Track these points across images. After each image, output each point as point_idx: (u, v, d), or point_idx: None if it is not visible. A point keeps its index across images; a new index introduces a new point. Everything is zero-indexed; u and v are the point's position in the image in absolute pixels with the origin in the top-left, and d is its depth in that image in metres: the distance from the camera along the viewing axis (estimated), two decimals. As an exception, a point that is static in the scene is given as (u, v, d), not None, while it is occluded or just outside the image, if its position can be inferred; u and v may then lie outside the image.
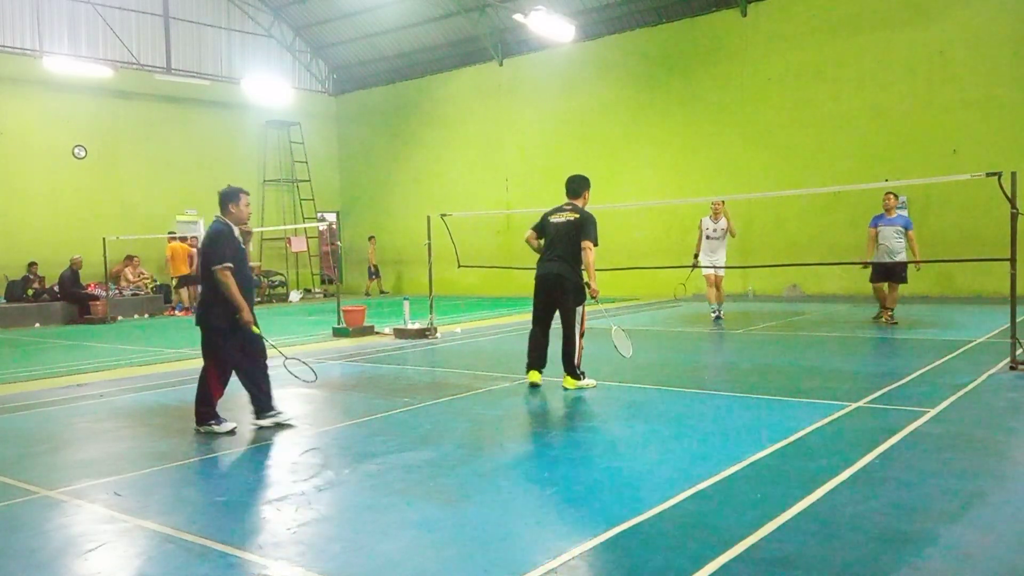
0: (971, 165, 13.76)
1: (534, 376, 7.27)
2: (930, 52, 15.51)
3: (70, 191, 20.06)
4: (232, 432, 5.86)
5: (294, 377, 6.50)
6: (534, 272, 7.36)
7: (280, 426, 6.03)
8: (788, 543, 3.40)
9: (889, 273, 11.30)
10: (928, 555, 3.24)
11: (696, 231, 13.03)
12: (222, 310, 5.81)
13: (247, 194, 6.18)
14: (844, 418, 5.71)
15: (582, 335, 7.32)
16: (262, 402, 6.06)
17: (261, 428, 6.02)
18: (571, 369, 7.19)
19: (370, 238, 24.22)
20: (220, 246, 5.81)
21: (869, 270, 11.69)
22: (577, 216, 7.18)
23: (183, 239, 19.21)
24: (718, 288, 12.90)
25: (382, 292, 23.97)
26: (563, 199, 7.44)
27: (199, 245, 5.78)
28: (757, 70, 17.55)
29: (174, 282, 19.23)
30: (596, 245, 7.14)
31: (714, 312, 12.92)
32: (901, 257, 11.21)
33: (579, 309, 7.21)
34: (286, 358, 6.63)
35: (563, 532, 3.64)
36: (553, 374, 7.41)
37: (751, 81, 17.65)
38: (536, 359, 7.31)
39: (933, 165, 14.90)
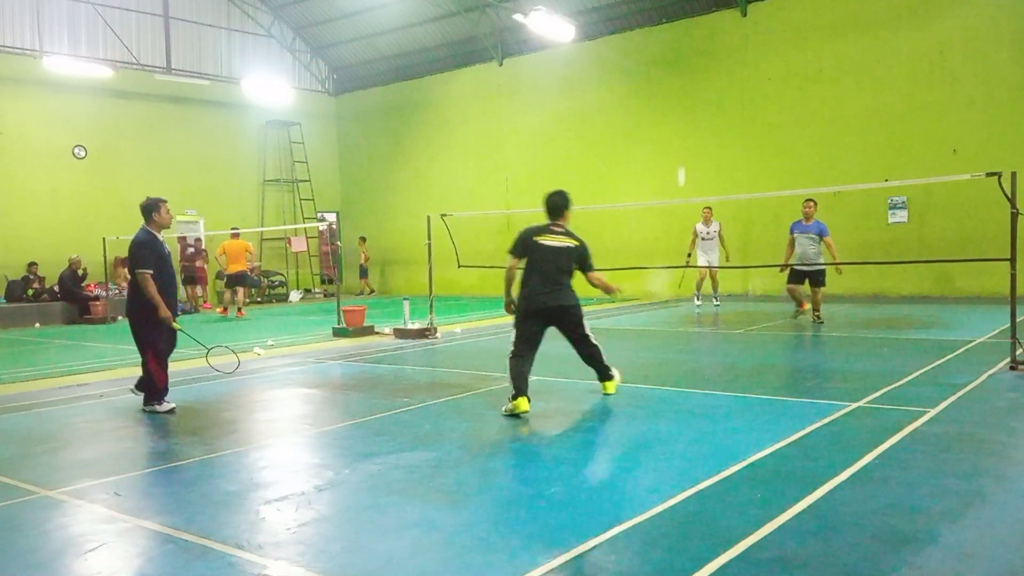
0: (971, 165, 13.75)
1: (525, 404, 6.24)
2: (930, 52, 15.51)
3: (70, 191, 20.05)
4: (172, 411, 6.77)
5: (215, 371, 7.49)
6: (527, 300, 6.46)
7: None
8: (788, 543, 3.40)
9: (809, 277, 11.68)
10: (928, 555, 3.24)
11: (690, 235, 14.70)
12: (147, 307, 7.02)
13: (165, 202, 7.12)
14: (844, 418, 5.70)
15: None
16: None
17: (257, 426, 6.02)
18: (608, 372, 6.84)
19: (361, 239, 24.32)
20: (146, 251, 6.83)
21: (788, 271, 11.96)
22: (577, 243, 6.59)
23: (235, 235, 18.05)
24: (713, 279, 14.90)
25: (365, 292, 23.86)
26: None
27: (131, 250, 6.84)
28: (757, 70, 17.54)
29: (224, 280, 18.06)
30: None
31: (702, 301, 14.93)
32: (819, 263, 11.64)
33: (585, 320, 6.75)
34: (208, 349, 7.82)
35: (563, 532, 3.64)
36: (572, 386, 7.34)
37: (751, 81, 17.64)
38: (525, 386, 6.33)
39: (933, 165, 14.89)
